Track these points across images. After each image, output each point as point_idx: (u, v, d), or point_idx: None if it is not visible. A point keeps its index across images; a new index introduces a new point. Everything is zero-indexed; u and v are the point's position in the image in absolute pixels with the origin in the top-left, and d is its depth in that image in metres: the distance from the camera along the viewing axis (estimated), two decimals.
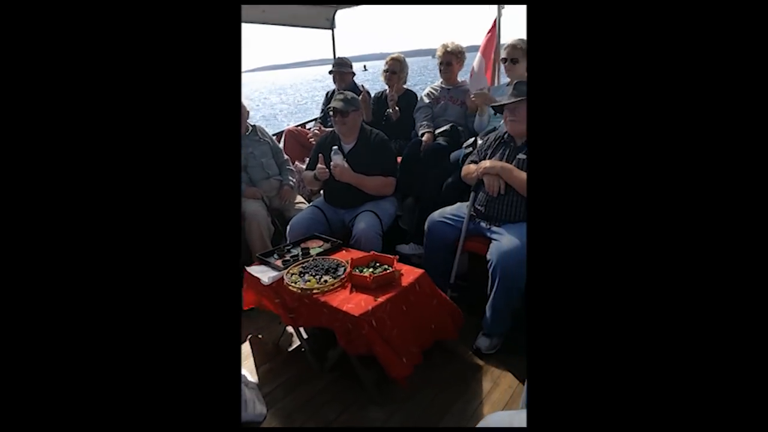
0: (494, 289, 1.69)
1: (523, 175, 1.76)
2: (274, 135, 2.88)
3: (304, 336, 1.80)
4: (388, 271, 1.59)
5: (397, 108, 2.80)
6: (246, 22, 3.17)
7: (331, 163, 2.11)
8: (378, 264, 1.67)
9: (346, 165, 2.11)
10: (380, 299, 1.46)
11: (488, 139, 2.02)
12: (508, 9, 2.85)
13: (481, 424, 0.92)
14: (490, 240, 1.80)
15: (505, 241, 1.71)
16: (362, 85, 3.05)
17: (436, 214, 2.02)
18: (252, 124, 2.57)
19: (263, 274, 1.68)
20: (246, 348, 1.91)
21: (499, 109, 1.94)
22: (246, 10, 3.05)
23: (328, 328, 1.52)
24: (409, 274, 1.63)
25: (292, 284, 1.55)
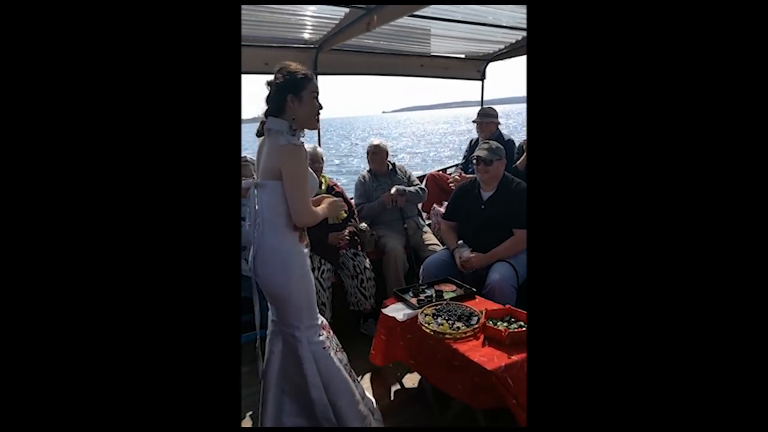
0: None
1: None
2: (418, 177, 3.07)
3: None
4: (523, 329, 1.53)
5: None
6: (405, 75, 3.51)
7: (460, 259, 2.15)
8: (513, 319, 1.62)
9: (472, 255, 2.14)
10: (514, 357, 1.41)
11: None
12: None
13: None
14: None
15: None
16: None
17: None
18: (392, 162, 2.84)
19: (398, 312, 1.78)
20: (367, 381, 2.01)
21: None
22: (404, 61, 3.39)
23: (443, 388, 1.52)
24: None
25: (426, 325, 1.60)
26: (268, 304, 1.48)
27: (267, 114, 1.37)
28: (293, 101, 1.34)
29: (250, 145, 1.46)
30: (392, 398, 1.88)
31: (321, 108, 1.40)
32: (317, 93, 1.39)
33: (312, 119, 1.39)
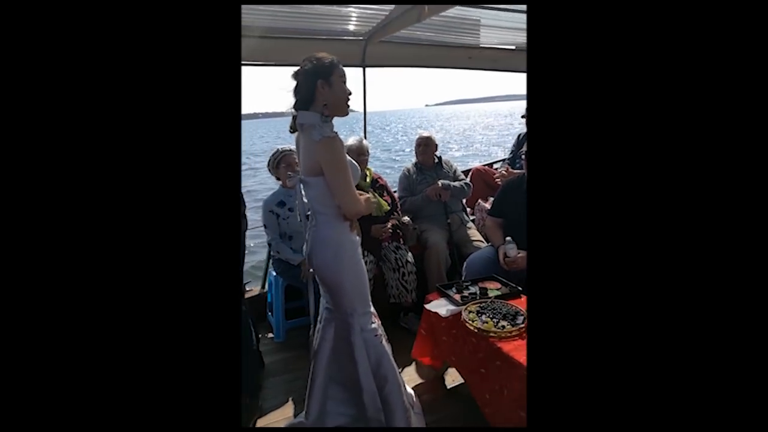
0: None
1: None
2: (462, 171, 3.01)
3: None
4: None
5: None
6: (453, 67, 3.44)
7: (506, 257, 2.06)
8: None
9: (519, 254, 2.04)
10: None
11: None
12: None
13: None
14: None
15: None
16: None
17: None
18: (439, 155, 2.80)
19: (441, 307, 1.76)
20: (406, 375, 2.01)
21: None
22: (453, 53, 3.32)
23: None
24: None
25: (470, 322, 1.58)
26: (322, 292, 1.51)
27: (297, 108, 1.36)
28: (323, 86, 1.32)
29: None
30: (431, 393, 1.87)
31: (350, 93, 1.38)
32: (345, 78, 1.37)
33: (343, 104, 1.37)
